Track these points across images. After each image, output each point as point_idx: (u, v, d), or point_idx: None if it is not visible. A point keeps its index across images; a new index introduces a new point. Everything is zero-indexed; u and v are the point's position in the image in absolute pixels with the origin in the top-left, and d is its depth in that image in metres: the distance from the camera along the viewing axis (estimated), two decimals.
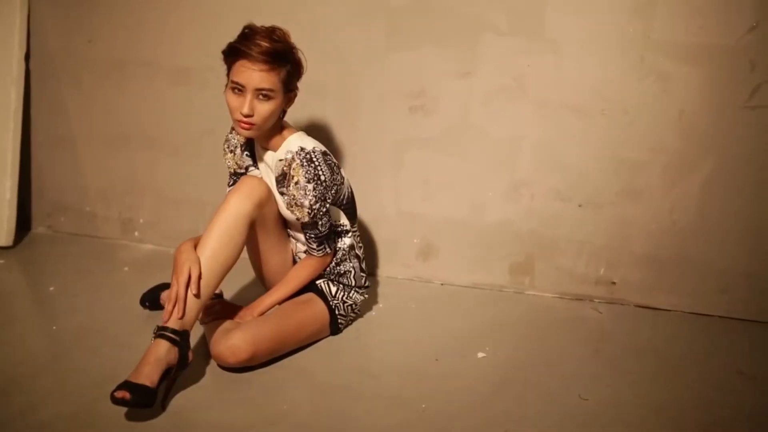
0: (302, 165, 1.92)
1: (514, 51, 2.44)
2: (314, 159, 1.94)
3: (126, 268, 2.79)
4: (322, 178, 1.94)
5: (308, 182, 1.92)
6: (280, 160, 1.98)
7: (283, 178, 1.97)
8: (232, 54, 1.87)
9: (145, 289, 2.38)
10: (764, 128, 2.27)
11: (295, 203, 1.94)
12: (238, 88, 1.85)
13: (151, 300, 2.34)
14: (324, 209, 1.98)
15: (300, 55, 1.95)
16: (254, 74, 1.82)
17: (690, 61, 2.29)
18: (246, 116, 1.85)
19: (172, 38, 2.85)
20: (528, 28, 2.41)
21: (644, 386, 1.95)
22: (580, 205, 2.50)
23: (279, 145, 2.00)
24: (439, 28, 2.49)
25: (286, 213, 2.04)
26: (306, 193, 1.92)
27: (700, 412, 1.84)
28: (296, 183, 1.92)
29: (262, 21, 2.60)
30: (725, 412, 1.84)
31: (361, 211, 2.43)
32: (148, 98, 2.97)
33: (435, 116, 2.57)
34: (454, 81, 2.52)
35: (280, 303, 2.10)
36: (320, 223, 2.00)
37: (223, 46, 2.72)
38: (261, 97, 1.85)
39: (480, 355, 2.10)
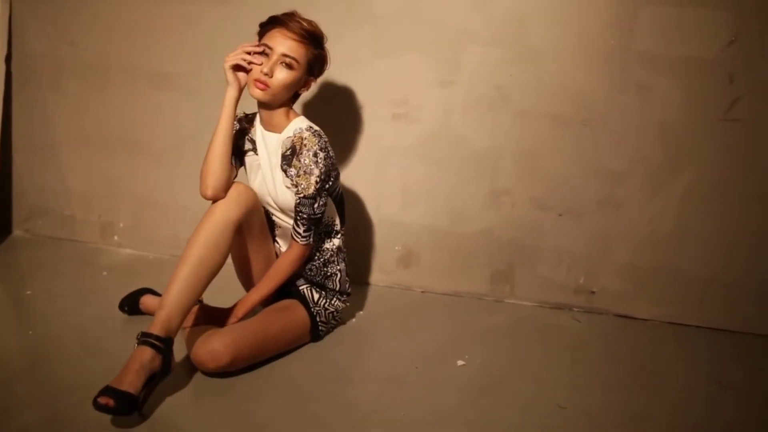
0: (315, 136, 2.00)
1: (496, 60, 2.46)
2: (323, 136, 2.03)
3: (105, 273, 2.77)
4: (331, 153, 2.04)
5: (321, 150, 1.99)
6: (288, 137, 2.04)
7: (292, 153, 2.03)
8: (271, 23, 1.99)
9: (124, 294, 2.36)
10: (742, 140, 2.31)
11: (305, 171, 1.99)
12: (266, 52, 1.96)
13: (131, 305, 2.32)
14: (326, 186, 2.03)
15: (324, 58, 2.07)
16: (286, 40, 1.94)
17: (670, 73, 2.32)
18: (263, 74, 1.93)
19: (156, 43, 2.84)
20: (510, 37, 2.43)
21: (622, 395, 1.97)
22: (560, 215, 2.51)
23: (284, 127, 2.06)
24: (422, 37, 2.51)
25: (284, 195, 2.06)
26: (318, 161, 1.98)
27: (678, 420, 1.86)
28: (308, 149, 1.98)
29: (246, 28, 2.60)
30: (702, 420, 1.86)
31: None
32: (130, 102, 2.95)
33: (417, 124, 2.58)
34: (436, 89, 2.54)
35: (264, 299, 2.10)
36: (318, 203, 2.02)
37: (207, 52, 2.74)
38: (284, 64, 1.94)
39: (459, 363, 2.11)
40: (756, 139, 2.30)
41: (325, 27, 2.55)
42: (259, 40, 2.01)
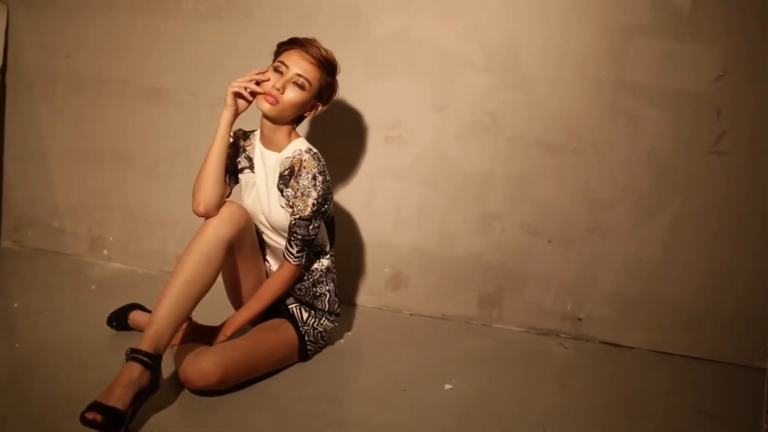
0: (314, 159, 2.03)
1: (489, 86, 2.49)
2: (321, 159, 2.06)
3: (93, 287, 2.76)
4: (328, 177, 2.06)
5: (319, 173, 2.02)
6: (288, 157, 2.06)
7: (290, 174, 2.04)
8: (291, 43, 2.04)
9: (112, 309, 2.35)
10: (729, 172, 2.34)
11: (302, 193, 2.00)
12: (281, 69, 2.00)
13: (119, 320, 2.32)
14: (322, 210, 2.05)
15: (334, 87, 2.12)
16: (302, 61, 1.99)
17: (660, 105, 2.36)
18: (273, 89, 1.97)
19: (150, 58, 2.86)
20: (504, 64, 2.47)
21: (607, 422, 1.97)
22: (549, 241, 2.54)
23: (284, 147, 2.08)
24: (416, 61, 2.54)
25: (278, 214, 2.07)
26: (316, 184, 2.00)
27: None
28: (308, 172, 2.01)
29: (241, 48, 2.64)
30: None
31: None
32: (122, 116, 2.96)
33: (409, 147, 2.60)
34: (429, 113, 2.56)
35: (253, 318, 2.10)
36: (312, 225, 2.03)
37: (202, 68, 2.75)
38: (296, 84, 1.98)
39: (447, 386, 2.11)
40: (742, 172, 2.33)
41: None
42: (275, 58, 2.04)
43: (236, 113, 2.03)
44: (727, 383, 2.30)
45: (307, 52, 2.00)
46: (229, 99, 2.00)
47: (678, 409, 2.09)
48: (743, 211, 2.36)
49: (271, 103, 1.97)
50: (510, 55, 2.46)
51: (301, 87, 1.98)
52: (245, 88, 1.98)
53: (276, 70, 2.00)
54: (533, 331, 2.60)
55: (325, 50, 2.03)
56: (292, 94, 1.98)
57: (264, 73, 2.01)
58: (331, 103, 2.18)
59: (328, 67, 2.04)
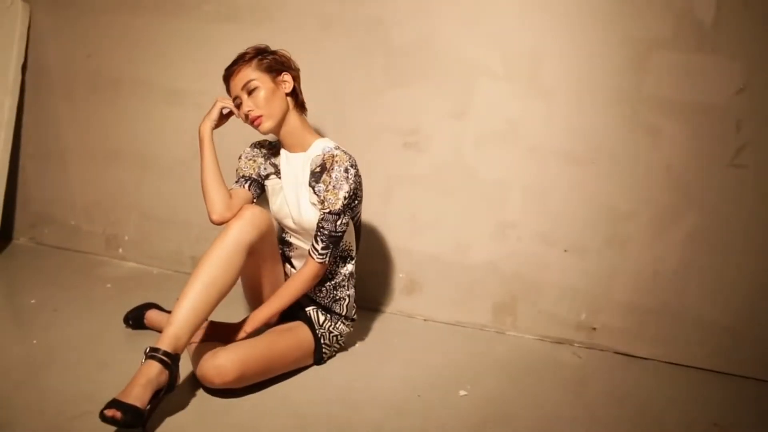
0: (345, 154, 2.07)
1: (508, 95, 2.50)
2: (352, 156, 2.09)
3: (108, 285, 2.77)
4: (359, 173, 2.10)
5: (351, 167, 2.05)
6: (318, 155, 2.11)
7: (321, 170, 2.08)
8: (224, 82, 2.12)
9: (127, 307, 2.37)
10: (747, 186, 2.33)
11: (334, 186, 2.03)
12: (237, 102, 2.09)
13: (135, 319, 2.33)
14: (352, 205, 2.08)
15: (280, 57, 2.13)
16: (234, 81, 2.08)
17: (679, 118, 2.35)
18: (248, 113, 2.03)
19: (170, 60, 2.88)
20: (524, 74, 2.47)
21: None
22: (565, 250, 2.53)
23: (309, 145, 2.14)
24: (437, 68, 2.55)
25: (308, 213, 2.09)
26: (348, 177, 2.03)
27: None
28: (340, 165, 2.03)
29: None
30: None
31: None
32: (141, 117, 2.98)
33: (427, 154, 2.61)
34: (448, 121, 2.57)
35: (274, 316, 2.11)
36: (341, 221, 2.04)
37: (220, 71, 2.76)
38: (249, 93, 2.05)
39: (462, 393, 2.11)
40: (761, 185, 2.32)
41: (341, 54, 2.62)
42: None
43: (215, 126, 2.13)
44: (742, 397, 2.28)
45: (232, 75, 2.07)
46: (215, 112, 2.11)
47: (692, 422, 2.08)
48: (761, 224, 2.35)
49: (260, 123, 2.05)
50: (530, 64, 2.46)
51: (254, 89, 2.05)
52: (233, 107, 2.11)
53: (237, 106, 2.10)
54: (547, 340, 2.60)
55: (243, 52, 2.09)
56: (256, 99, 2.05)
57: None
58: (295, 66, 2.17)
59: (252, 58, 2.08)
